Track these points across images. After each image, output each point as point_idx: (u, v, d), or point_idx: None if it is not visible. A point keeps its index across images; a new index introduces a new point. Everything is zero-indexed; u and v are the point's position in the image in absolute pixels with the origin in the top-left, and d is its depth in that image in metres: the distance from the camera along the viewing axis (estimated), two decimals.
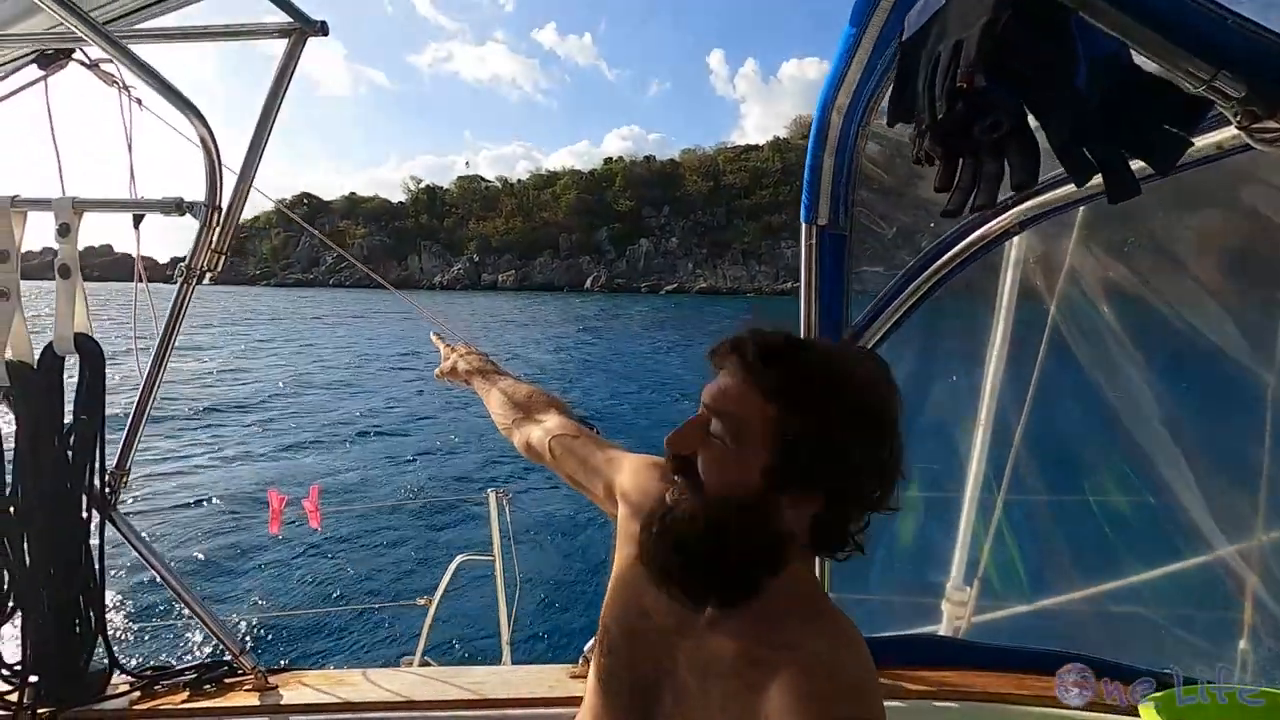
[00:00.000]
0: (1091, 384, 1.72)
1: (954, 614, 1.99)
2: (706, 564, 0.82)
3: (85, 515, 1.57)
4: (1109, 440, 1.83)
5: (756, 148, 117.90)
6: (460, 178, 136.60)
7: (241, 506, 9.11)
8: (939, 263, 1.47)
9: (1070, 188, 1.26)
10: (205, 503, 9.51)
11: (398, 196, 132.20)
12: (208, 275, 1.55)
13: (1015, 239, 1.57)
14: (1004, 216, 1.40)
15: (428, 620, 3.05)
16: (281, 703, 1.59)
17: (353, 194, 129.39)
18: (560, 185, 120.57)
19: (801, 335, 1.55)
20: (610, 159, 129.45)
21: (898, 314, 1.52)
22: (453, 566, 3.25)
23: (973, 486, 2.08)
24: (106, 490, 1.60)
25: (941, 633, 1.94)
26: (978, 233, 1.44)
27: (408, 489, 10.80)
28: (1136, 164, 0.72)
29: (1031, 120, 0.70)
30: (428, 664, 2.08)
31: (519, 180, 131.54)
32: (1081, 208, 1.47)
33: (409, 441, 13.91)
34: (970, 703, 1.50)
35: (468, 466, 12.11)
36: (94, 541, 1.61)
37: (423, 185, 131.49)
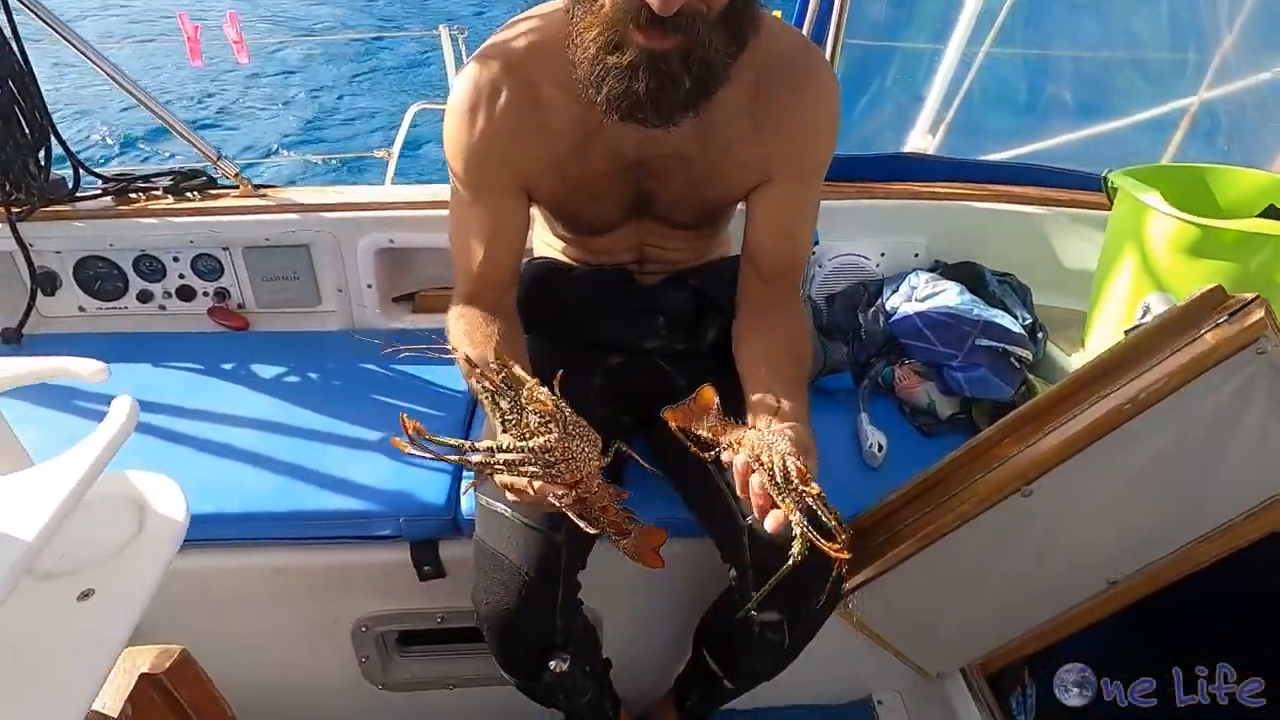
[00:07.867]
0: None
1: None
2: (726, 64, 0.85)
3: None
4: None
5: None
6: None
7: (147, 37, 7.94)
8: None
9: None
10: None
11: None
12: None
13: None
14: None
15: (388, 174, 3.00)
16: (280, 201, 1.59)
17: None
18: None
19: None
20: None
21: None
22: (409, 115, 3.09)
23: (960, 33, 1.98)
24: None
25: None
26: None
27: (347, 23, 9.60)
28: None
29: None
30: None
31: None
32: None
33: None
34: (935, 201, 1.62)
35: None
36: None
37: None
